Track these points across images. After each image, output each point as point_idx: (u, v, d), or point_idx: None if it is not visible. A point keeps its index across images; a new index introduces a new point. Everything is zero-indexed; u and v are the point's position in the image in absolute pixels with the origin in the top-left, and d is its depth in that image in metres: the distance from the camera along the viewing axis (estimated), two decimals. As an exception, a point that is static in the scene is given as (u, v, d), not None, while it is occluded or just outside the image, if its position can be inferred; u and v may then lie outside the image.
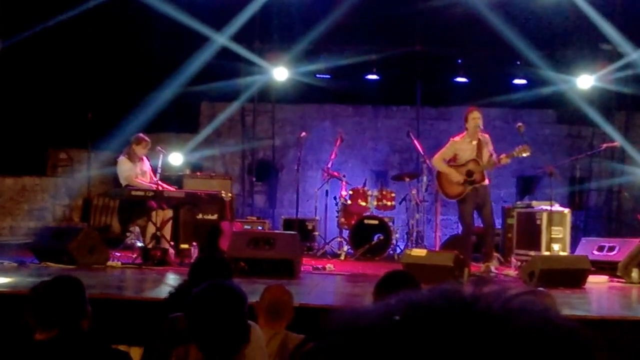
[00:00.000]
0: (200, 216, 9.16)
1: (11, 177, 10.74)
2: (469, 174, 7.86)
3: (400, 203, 10.23)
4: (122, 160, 8.55)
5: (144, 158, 8.66)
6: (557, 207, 8.64)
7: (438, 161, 8.08)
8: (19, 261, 7.66)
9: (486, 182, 7.92)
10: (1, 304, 5.02)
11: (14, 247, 9.03)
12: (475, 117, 7.89)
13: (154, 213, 8.26)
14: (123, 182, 8.52)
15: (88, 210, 10.99)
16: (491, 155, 7.91)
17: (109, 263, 7.79)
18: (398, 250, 9.82)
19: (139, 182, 8.41)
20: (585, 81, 11.29)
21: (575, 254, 8.30)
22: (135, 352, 3.93)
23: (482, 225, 8.12)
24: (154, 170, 8.55)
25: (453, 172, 7.91)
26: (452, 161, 8.03)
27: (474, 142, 7.92)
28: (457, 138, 8.06)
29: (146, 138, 8.57)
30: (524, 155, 7.78)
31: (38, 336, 3.10)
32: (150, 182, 8.47)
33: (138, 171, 8.54)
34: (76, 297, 3.01)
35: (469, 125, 7.91)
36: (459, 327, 0.64)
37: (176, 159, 10.38)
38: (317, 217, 10.54)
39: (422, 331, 0.64)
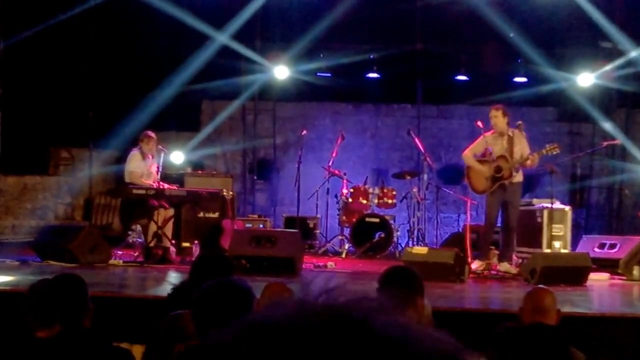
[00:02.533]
0: (201, 214, 9.18)
1: (13, 176, 10.76)
2: (498, 170, 7.84)
3: (401, 201, 10.23)
4: (134, 155, 8.54)
5: (155, 157, 8.63)
6: (557, 205, 8.65)
7: (468, 156, 8.08)
8: (21, 260, 7.67)
9: (517, 179, 7.85)
10: (3, 303, 5.04)
11: (16, 245, 9.05)
12: (491, 116, 7.90)
13: (155, 211, 8.27)
14: (126, 178, 8.53)
15: (90, 208, 11.00)
16: (522, 154, 7.82)
17: (111, 261, 7.81)
18: (399, 248, 9.82)
19: (141, 181, 8.41)
20: (585, 79, 11.28)
21: (576, 251, 8.31)
22: (137, 350, 3.94)
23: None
24: (159, 171, 8.57)
25: (481, 168, 7.90)
26: (485, 156, 8.00)
27: (505, 138, 7.91)
28: (488, 133, 8.06)
29: (150, 134, 8.58)
30: (554, 153, 7.79)
31: (39, 334, 3.11)
32: (153, 183, 8.46)
33: (145, 170, 8.53)
34: (78, 295, 3.03)
35: (492, 123, 7.94)
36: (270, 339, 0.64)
37: (177, 157, 10.40)
38: (318, 215, 10.55)
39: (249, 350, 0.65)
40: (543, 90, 11.49)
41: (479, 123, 8.02)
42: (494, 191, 7.83)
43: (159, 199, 8.20)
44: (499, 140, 7.93)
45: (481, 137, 8.07)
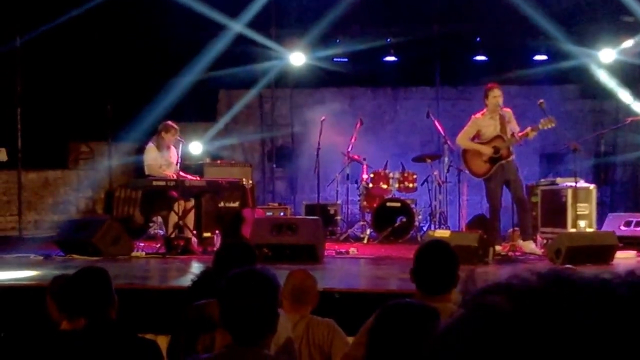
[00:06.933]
0: (222, 204, 9.16)
1: (34, 171, 10.83)
2: (496, 150, 7.77)
3: (422, 184, 10.15)
4: (150, 148, 8.55)
5: (172, 148, 8.64)
6: (582, 184, 8.51)
7: (463, 139, 8.01)
8: (45, 254, 7.73)
9: (513, 157, 7.83)
10: (29, 297, 5.07)
11: (39, 240, 9.11)
12: (496, 95, 7.80)
13: (176, 203, 8.26)
14: (145, 171, 8.54)
15: (110, 201, 11.05)
16: (513, 132, 7.80)
17: (133, 253, 7.84)
18: (421, 232, 9.74)
19: (160, 172, 8.41)
20: (607, 54, 11.07)
21: (602, 230, 8.19)
22: (162, 341, 3.94)
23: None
24: (178, 162, 8.57)
25: (482, 148, 7.83)
26: (477, 139, 7.95)
27: (496, 118, 7.85)
28: (478, 115, 8.00)
29: (174, 126, 8.57)
30: (550, 126, 7.69)
31: (64, 326, 3.11)
32: (174, 174, 8.45)
33: (163, 161, 8.53)
34: (103, 287, 3.03)
35: (489, 103, 7.84)
36: None
37: (196, 148, 10.38)
38: (339, 202, 10.50)
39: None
40: (564, 67, 11.29)
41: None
42: (492, 175, 7.75)
43: (179, 190, 8.19)
44: (491, 121, 7.85)
45: (472, 119, 8.01)
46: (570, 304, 0.63)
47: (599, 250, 6.92)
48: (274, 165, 12.44)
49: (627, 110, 10.98)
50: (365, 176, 10.15)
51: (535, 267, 0.68)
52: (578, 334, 0.61)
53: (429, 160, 10.09)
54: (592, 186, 8.63)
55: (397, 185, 9.99)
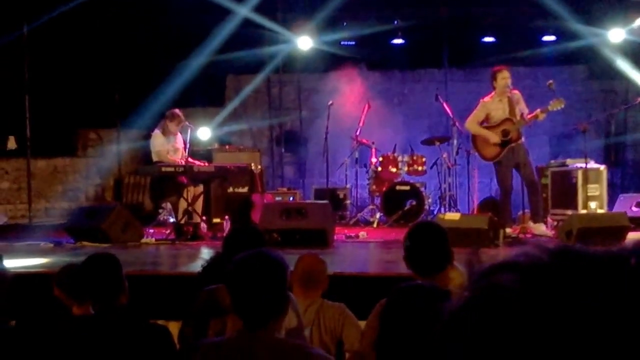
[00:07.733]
0: (231, 189, 9.16)
1: (43, 159, 10.85)
2: (505, 133, 7.72)
3: (431, 168, 10.11)
4: (156, 135, 8.55)
5: (179, 134, 8.64)
6: (592, 164, 8.45)
7: (472, 124, 7.95)
8: (55, 242, 7.78)
9: (522, 139, 7.77)
10: (40, 284, 5.09)
11: (49, 228, 9.15)
12: (505, 77, 7.73)
13: (185, 188, 8.27)
14: (154, 157, 8.53)
15: (120, 188, 11.07)
16: (522, 113, 7.74)
17: (143, 240, 7.86)
18: (431, 216, 9.72)
19: (169, 158, 8.41)
20: (616, 34, 10.95)
21: (614, 211, 8.15)
22: (173, 326, 3.94)
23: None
24: (186, 148, 8.57)
25: (489, 134, 7.78)
26: (486, 122, 7.90)
27: (504, 101, 7.78)
28: (486, 99, 7.93)
29: (180, 115, 8.54)
30: (559, 107, 7.63)
31: (76, 311, 3.12)
32: (181, 160, 8.46)
33: (170, 147, 8.53)
34: (114, 273, 3.04)
35: (498, 85, 7.77)
36: None
37: (204, 133, 10.37)
38: (348, 186, 10.48)
39: None
40: (572, 47, 11.18)
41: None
42: (503, 158, 7.71)
43: (188, 176, 8.20)
44: (499, 104, 7.79)
45: (480, 103, 7.95)
46: (582, 280, 0.61)
47: (610, 232, 6.87)
48: (283, 150, 12.42)
49: (637, 90, 10.88)
50: (374, 160, 10.13)
51: (543, 244, 0.65)
52: (592, 310, 0.59)
53: (438, 143, 10.04)
54: (602, 167, 8.57)
55: (406, 169, 9.96)
